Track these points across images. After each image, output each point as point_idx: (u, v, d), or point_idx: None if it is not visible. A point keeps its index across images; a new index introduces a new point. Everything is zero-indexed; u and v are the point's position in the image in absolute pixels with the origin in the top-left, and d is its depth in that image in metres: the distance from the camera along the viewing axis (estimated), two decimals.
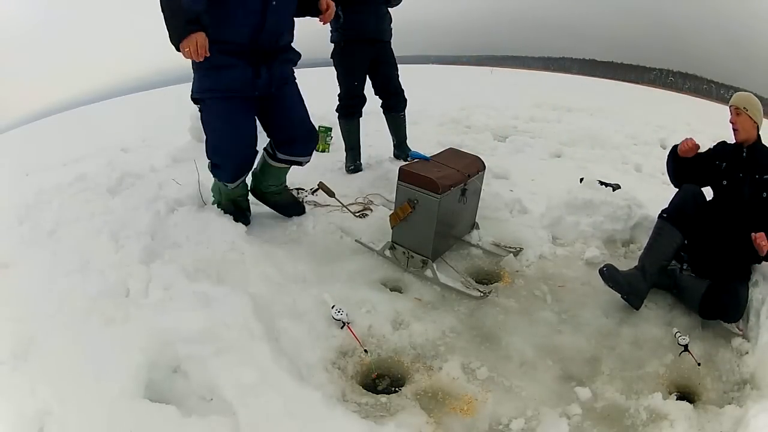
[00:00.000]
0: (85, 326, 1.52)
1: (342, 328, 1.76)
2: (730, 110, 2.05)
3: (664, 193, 2.16)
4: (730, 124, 2.05)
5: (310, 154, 2.38)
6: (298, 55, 2.24)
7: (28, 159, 5.34)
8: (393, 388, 1.65)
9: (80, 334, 1.48)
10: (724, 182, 2.07)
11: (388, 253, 2.26)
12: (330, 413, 1.36)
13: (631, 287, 1.98)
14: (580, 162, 4.37)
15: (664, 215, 2.08)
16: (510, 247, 2.44)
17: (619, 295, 2.02)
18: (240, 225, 2.26)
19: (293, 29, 2.19)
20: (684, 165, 2.17)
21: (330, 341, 1.74)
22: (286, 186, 2.51)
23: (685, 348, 1.78)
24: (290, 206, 2.51)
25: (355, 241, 2.37)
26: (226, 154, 2.15)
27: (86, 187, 2.69)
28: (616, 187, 2.83)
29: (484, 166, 2.44)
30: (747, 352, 1.80)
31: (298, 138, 2.29)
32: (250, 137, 2.14)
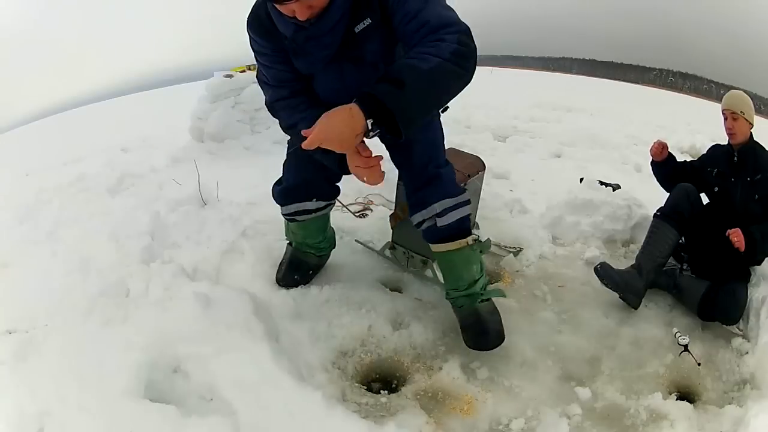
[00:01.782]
0: (85, 326, 1.52)
1: None
2: (725, 114, 1.99)
3: (664, 193, 2.17)
4: (726, 129, 2.00)
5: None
6: None
7: (28, 159, 5.35)
8: (393, 388, 1.65)
9: (80, 334, 1.48)
10: (716, 189, 2.07)
11: (388, 253, 2.26)
12: (330, 413, 1.36)
13: (627, 285, 1.98)
14: (580, 162, 4.37)
15: (659, 214, 2.08)
16: (510, 247, 2.44)
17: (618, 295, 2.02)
18: (239, 225, 2.23)
19: None
20: (668, 171, 2.19)
21: (330, 341, 1.74)
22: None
23: (685, 348, 1.77)
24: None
25: (355, 241, 2.36)
26: (287, 170, 1.80)
27: (86, 187, 2.70)
28: (616, 187, 2.83)
29: (484, 166, 2.43)
30: (747, 352, 1.80)
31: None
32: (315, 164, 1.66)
